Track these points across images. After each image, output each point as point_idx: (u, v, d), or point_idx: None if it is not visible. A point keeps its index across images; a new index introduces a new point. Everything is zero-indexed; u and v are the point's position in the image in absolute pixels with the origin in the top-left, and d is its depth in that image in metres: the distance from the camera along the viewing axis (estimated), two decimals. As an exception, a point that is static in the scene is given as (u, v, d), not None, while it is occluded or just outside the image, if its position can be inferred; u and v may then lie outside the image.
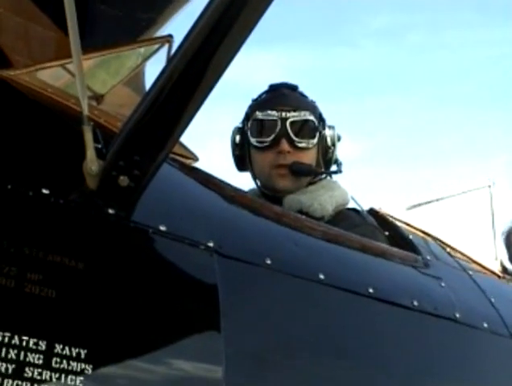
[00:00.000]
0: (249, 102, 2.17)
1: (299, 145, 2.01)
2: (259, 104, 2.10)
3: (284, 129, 2.00)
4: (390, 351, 1.50)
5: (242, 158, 2.15)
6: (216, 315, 1.19)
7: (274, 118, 2.01)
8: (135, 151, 1.14)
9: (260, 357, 1.25)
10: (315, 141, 2.04)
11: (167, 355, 1.12)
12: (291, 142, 2.00)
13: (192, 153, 2.19)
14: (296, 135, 2.00)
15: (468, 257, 2.05)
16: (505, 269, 2.35)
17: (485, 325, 1.73)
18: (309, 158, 2.05)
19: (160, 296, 1.16)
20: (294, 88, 2.12)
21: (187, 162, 2.06)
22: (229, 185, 1.51)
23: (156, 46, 1.69)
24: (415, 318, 1.57)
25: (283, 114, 2.00)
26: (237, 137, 2.13)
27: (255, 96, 2.16)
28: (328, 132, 2.09)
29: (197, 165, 2.15)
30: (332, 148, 2.09)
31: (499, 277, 2.15)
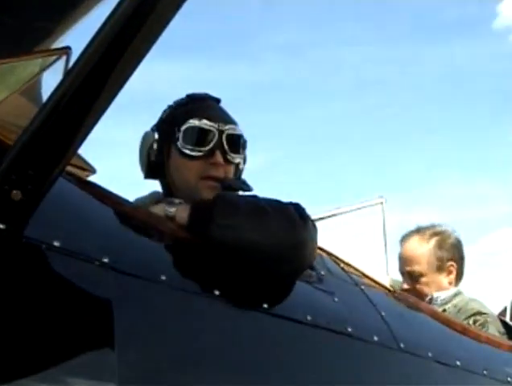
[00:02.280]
0: (166, 107, 2.07)
1: (231, 159, 1.98)
2: (191, 111, 2.01)
3: (220, 142, 1.96)
4: (284, 364, 1.52)
5: (158, 165, 2.09)
6: (110, 331, 1.18)
7: (213, 129, 1.97)
8: (29, 165, 1.12)
9: (153, 373, 1.25)
10: (241, 157, 2.03)
11: (59, 373, 1.11)
12: (224, 155, 1.97)
13: (90, 165, 2.15)
14: (230, 149, 1.98)
15: (360, 272, 2.10)
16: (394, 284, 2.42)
17: (376, 338, 1.78)
18: (232, 173, 2.03)
19: (54, 313, 1.14)
20: (219, 100, 2.09)
21: (85, 174, 2.03)
22: (125, 200, 1.50)
23: (54, 57, 1.66)
24: (309, 333, 1.60)
25: (220, 126, 1.97)
26: (154, 143, 2.03)
27: (172, 103, 2.07)
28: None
29: (94, 177, 2.12)
30: (243, 166, 2.08)
31: (390, 291, 2.21)
